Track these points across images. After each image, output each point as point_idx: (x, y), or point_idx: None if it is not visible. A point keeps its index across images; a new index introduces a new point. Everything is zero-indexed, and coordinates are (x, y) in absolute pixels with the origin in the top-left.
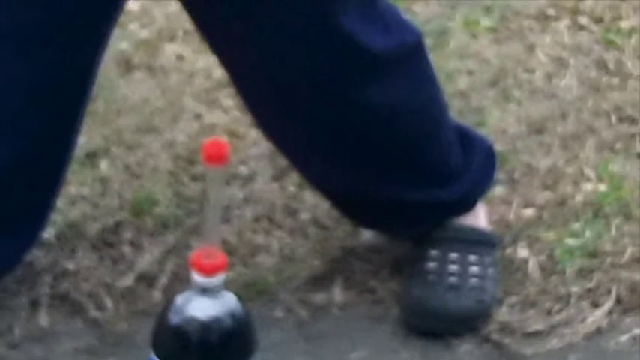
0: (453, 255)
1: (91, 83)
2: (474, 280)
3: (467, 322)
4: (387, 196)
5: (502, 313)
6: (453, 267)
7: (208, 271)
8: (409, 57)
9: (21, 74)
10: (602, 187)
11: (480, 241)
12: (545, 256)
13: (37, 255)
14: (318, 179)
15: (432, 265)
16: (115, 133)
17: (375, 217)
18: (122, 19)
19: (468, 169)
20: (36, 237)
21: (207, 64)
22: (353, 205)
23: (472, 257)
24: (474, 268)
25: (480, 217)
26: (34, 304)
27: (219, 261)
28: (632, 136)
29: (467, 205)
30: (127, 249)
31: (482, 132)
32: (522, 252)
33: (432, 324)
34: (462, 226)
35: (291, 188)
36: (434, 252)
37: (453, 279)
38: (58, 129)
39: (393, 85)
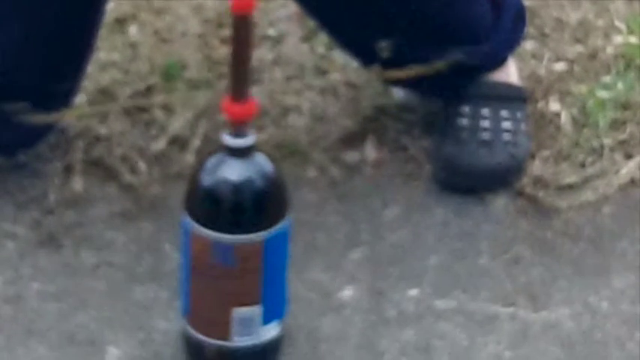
0: (485, 111)
1: None
2: (506, 135)
3: (500, 178)
4: (418, 56)
5: (535, 167)
6: (485, 123)
7: (238, 116)
8: None
9: None
10: (633, 39)
11: (512, 97)
12: (577, 109)
13: (69, 121)
14: (347, 40)
15: (464, 121)
16: None
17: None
18: None
19: (498, 26)
20: (69, 103)
21: None
22: (382, 65)
23: (504, 112)
24: (507, 124)
25: (510, 73)
26: (68, 170)
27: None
28: None
29: (497, 61)
30: (158, 113)
31: None
32: (554, 106)
33: (465, 180)
34: (493, 82)
35: (321, 49)
36: (466, 108)
37: (485, 134)
38: None
39: None
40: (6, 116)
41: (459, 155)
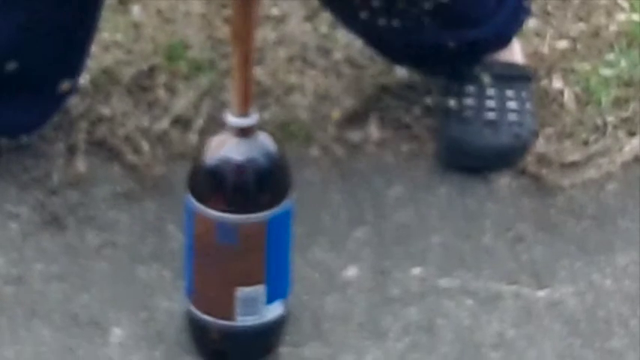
0: (491, 91)
1: None
2: (512, 116)
3: (505, 158)
4: (422, 38)
5: (539, 145)
6: (491, 102)
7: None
8: None
9: None
10: (636, 17)
11: (517, 76)
12: (580, 87)
13: (72, 102)
14: (351, 22)
15: (469, 101)
16: None
17: (410, 57)
18: None
19: (502, 5)
20: (74, 83)
21: None
22: (386, 46)
23: (509, 92)
24: (512, 103)
25: (515, 52)
26: (71, 151)
27: None
28: None
29: (502, 41)
30: (161, 93)
31: None
32: (557, 84)
33: (470, 160)
34: (498, 62)
35: (324, 28)
36: (471, 88)
37: (490, 114)
38: None
39: None
40: (9, 98)
41: (463, 135)
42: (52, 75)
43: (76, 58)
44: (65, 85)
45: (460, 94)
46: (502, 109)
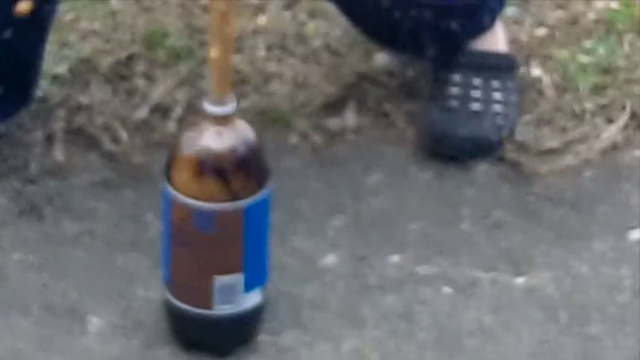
0: (477, 80)
1: None
2: (497, 107)
3: (487, 149)
4: (407, 23)
5: (517, 132)
6: (477, 93)
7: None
8: None
9: None
10: (614, 4)
11: (503, 66)
12: (559, 74)
13: (50, 90)
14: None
15: (454, 90)
16: None
17: (392, 37)
18: None
19: None
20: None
21: None
22: (369, 23)
23: (495, 83)
24: (498, 95)
25: (500, 40)
26: (49, 139)
27: None
28: None
29: (482, 26)
30: (140, 81)
31: None
32: (536, 71)
33: (452, 150)
34: (484, 51)
35: (303, 16)
36: (457, 77)
37: (476, 105)
38: None
39: None
40: None
41: (447, 125)
42: (22, 62)
43: (40, 43)
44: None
45: (446, 83)
46: (487, 100)
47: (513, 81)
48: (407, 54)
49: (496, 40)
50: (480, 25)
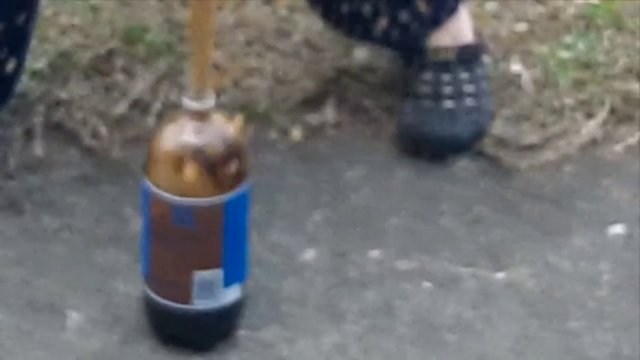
0: (446, 77)
1: None
2: (469, 101)
3: (465, 145)
4: (378, 9)
5: (497, 127)
6: (447, 89)
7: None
8: None
9: None
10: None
11: (470, 56)
12: (538, 69)
13: (29, 85)
14: None
15: (425, 89)
16: None
17: (363, 30)
18: None
19: None
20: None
21: None
22: (345, 20)
23: (464, 75)
24: (468, 87)
25: (465, 26)
26: (29, 134)
27: None
28: None
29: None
30: (119, 77)
31: None
32: (515, 66)
33: (429, 149)
34: (448, 47)
35: (283, 11)
36: (427, 75)
37: (448, 103)
38: None
39: None
40: None
41: (422, 125)
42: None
43: (19, 37)
44: (10, 66)
45: (417, 82)
46: (459, 95)
47: (482, 66)
48: (374, 42)
49: (461, 25)
50: (445, 6)
